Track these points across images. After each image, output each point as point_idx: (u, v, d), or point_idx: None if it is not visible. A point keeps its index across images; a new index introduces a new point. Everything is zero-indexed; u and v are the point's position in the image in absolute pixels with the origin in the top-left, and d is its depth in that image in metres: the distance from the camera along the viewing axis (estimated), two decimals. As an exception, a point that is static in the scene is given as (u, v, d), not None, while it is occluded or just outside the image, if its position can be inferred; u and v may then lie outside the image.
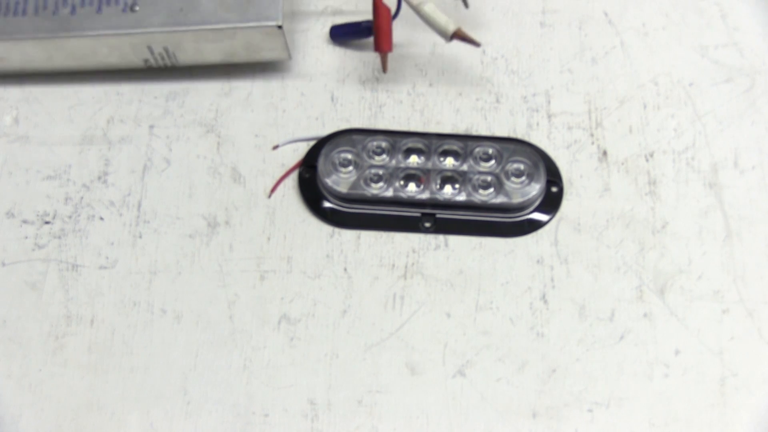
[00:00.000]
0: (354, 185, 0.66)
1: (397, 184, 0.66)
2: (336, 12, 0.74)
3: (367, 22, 0.71)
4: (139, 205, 0.67)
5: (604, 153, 0.68)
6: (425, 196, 0.65)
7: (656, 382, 0.60)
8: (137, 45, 0.68)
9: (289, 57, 0.70)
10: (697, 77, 0.71)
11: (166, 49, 0.69)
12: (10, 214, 0.67)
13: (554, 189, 0.67)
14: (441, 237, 0.65)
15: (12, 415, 0.60)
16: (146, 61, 0.70)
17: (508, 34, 0.71)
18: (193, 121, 0.70)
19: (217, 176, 0.68)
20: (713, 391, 0.60)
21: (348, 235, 0.65)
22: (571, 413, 0.59)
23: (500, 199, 0.65)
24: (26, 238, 0.66)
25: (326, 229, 0.66)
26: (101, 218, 0.66)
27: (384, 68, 0.70)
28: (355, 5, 0.74)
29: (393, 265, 0.64)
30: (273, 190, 0.67)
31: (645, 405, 0.60)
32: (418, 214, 0.66)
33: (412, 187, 0.66)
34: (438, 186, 0.66)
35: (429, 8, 0.69)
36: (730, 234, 0.65)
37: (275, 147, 0.68)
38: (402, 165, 0.66)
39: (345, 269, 0.64)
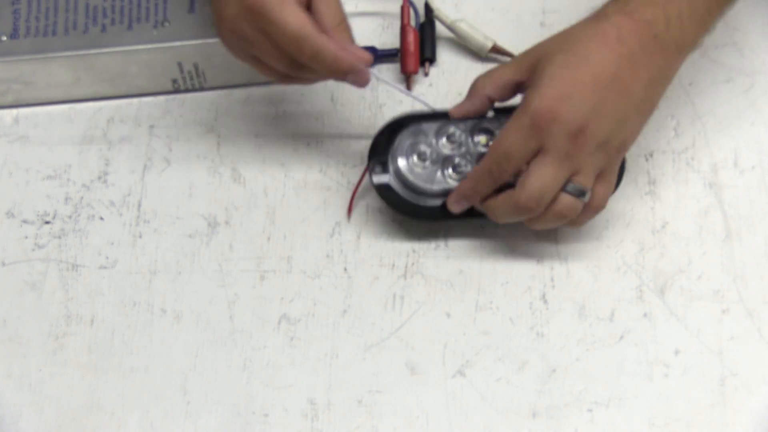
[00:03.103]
0: (432, 178, 0.63)
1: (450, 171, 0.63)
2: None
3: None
4: (139, 205, 0.67)
5: (604, 153, 0.68)
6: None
7: (656, 382, 0.60)
8: (167, 61, 0.68)
9: None
10: (697, 77, 0.71)
11: (195, 66, 0.68)
12: (10, 214, 0.67)
13: (555, 189, 0.66)
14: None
15: (12, 415, 0.60)
16: (174, 81, 0.69)
17: (508, 34, 0.71)
18: (193, 121, 0.70)
19: (217, 176, 0.68)
20: (713, 391, 0.60)
21: (348, 235, 0.65)
22: (571, 413, 0.59)
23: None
24: (26, 238, 0.66)
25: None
26: (101, 218, 0.66)
27: (408, 87, 0.70)
28: (355, 5, 0.74)
29: (393, 265, 0.64)
30: (350, 210, 0.65)
31: (645, 405, 0.60)
32: None
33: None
34: None
35: (465, 26, 0.70)
36: (730, 234, 0.65)
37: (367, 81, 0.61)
38: (472, 149, 0.63)
39: (345, 269, 0.64)
